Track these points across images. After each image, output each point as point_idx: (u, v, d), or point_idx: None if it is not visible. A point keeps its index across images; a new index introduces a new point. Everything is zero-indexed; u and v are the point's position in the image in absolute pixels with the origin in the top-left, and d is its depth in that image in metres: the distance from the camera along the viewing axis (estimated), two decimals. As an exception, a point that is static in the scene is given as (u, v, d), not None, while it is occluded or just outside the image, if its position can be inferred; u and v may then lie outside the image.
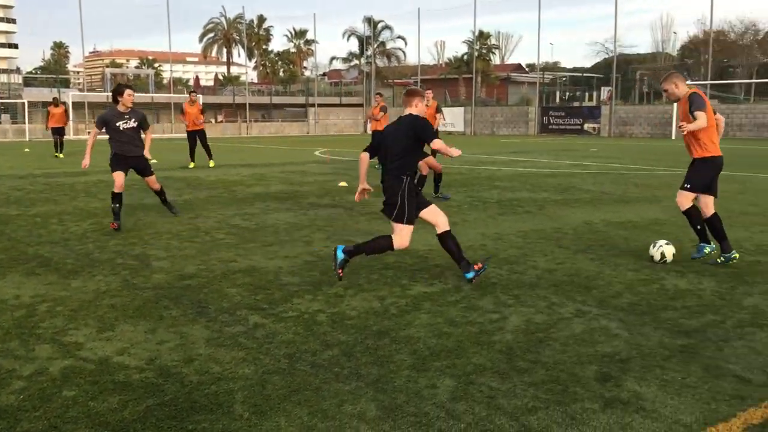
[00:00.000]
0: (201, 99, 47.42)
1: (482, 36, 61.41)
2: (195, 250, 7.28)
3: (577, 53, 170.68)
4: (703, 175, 6.54)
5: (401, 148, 5.80)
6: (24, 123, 41.67)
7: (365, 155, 6.16)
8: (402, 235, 5.80)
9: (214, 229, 8.65)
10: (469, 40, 62.04)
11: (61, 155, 23.14)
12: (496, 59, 71.15)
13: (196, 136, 18.63)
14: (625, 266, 6.48)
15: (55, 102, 24.27)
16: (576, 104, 49.62)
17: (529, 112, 46.40)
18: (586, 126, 41.66)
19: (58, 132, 23.83)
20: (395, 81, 64.84)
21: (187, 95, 20.55)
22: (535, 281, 5.95)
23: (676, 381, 3.76)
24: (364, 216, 9.70)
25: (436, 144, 5.72)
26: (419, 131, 5.78)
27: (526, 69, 72.55)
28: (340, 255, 5.80)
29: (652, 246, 6.74)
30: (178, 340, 4.44)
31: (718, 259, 6.53)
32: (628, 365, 3.98)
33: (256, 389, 3.65)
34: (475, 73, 52.22)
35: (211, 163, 18.86)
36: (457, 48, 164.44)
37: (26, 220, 9.28)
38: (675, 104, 7.38)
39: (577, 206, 10.63)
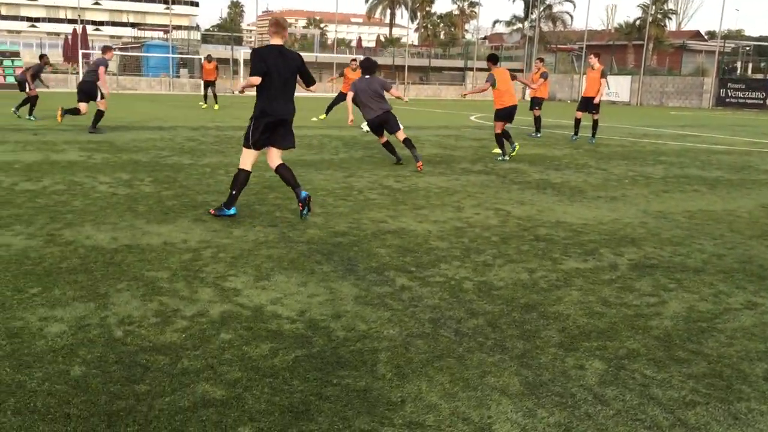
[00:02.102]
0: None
1: (659, 0, 57.54)
2: (348, 209, 7.44)
3: (765, 21, 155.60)
4: None
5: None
6: (200, 78, 44.50)
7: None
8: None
9: (367, 188, 8.80)
10: (644, 4, 58.40)
11: (216, 107, 24.87)
12: (671, 25, 66.57)
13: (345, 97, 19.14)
14: (808, 258, 5.86)
15: (209, 58, 25.84)
16: (760, 76, 45.44)
17: (705, 83, 43.12)
18: (769, 100, 38.11)
19: (210, 85, 25.50)
20: (558, 46, 62.46)
21: (349, 61, 21.36)
22: (701, 266, 5.53)
23: None
24: (517, 185, 9.47)
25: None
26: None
27: (705, 37, 67.27)
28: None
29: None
30: (327, 294, 4.55)
31: None
32: (805, 368, 3.60)
33: (400, 351, 3.67)
34: (647, 40, 49.13)
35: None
36: (629, 12, 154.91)
37: (197, 170, 9.91)
38: None
39: (753, 187, 9.76)
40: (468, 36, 79.19)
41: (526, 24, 65.76)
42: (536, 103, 18.16)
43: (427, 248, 5.85)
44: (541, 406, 3.10)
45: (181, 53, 51.01)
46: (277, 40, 6.52)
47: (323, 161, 11.31)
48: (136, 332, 3.77)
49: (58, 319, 3.90)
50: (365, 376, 3.35)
